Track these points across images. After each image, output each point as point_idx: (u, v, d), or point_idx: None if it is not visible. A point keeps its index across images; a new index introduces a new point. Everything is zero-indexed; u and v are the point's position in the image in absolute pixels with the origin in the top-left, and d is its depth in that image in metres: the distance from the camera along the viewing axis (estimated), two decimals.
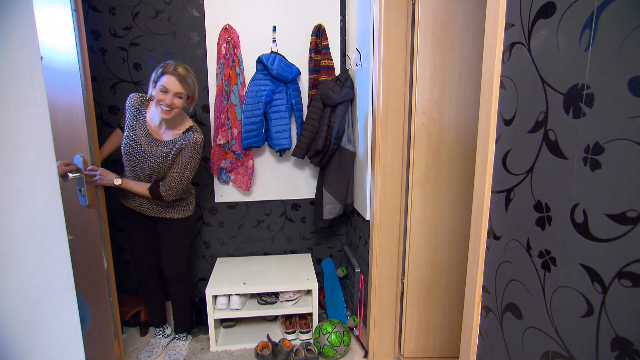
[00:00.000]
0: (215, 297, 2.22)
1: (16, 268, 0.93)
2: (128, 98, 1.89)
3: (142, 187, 1.86)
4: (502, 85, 0.92)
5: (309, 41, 2.35)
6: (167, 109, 1.72)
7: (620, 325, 0.62)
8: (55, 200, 1.09)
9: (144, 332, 2.34)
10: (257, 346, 2.13)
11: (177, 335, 2.22)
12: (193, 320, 2.37)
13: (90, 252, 1.81)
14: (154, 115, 1.84)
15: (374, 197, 1.91)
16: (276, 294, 2.34)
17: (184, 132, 1.85)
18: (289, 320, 2.37)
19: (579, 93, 0.69)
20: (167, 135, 1.85)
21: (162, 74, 1.70)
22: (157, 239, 2.08)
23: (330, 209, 2.25)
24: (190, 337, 2.27)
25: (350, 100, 2.13)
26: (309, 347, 2.11)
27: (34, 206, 1.00)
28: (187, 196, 2.04)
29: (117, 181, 1.80)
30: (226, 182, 2.50)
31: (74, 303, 1.18)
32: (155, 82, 1.72)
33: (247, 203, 2.59)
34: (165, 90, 1.70)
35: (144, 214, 2.00)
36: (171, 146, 1.83)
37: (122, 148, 1.87)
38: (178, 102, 1.73)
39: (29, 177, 0.98)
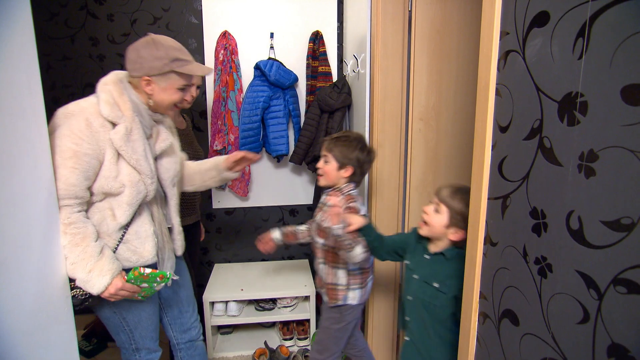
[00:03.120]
0: (212, 303, 2.21)
1: (12, 277, 0.92)
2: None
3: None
4: (497, 93, 0.93)
5: (307, 48, 2.37)
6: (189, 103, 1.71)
7: (616, 331, 0.63)
8: (52, 208, 1.09)
9: None
10: (254, 353, 2.12)
11: None
12: None
13: None
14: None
15: (371, 203, 1.92)
16: (274, 300, 2.34)
17: None
18: (286, 327, 2.36)
19: (573, 101, 0.70)
20: None
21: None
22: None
23: None
24: None
25: (348, 106, 2.14)
26: (307, 354, 2.10)
27: (30, 214, 0.99)
28: None
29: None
30: (222, 188, 2.50)
31: (70, 311, 1.17)
32: None
33: (244, 209, 2.58)
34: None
35: None
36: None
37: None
38: None
39: (26, 184, 0.98)
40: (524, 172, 0.84)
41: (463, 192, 1.18)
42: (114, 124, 1.18)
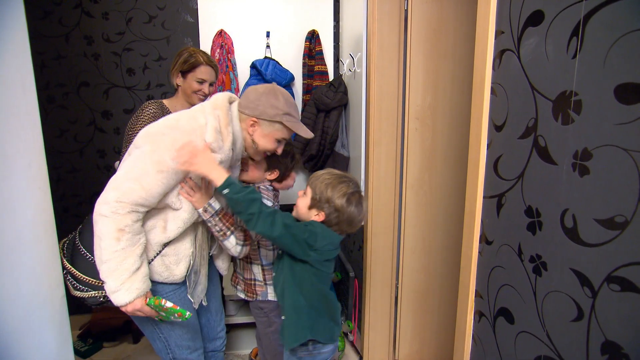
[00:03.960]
0: None
1: (5, 277, 0.92)
2: (140, 112, 1.62)
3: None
4: (492, 92, 0.93)
5: (303, 47, 2.36)
6: (204, 97, 1.71)
7: (609, 329, 0.63)
8: (46, 208, 1.08)
9: (136, 340, 2.32)
10: (251, 352, 2.12)
11: None
12: None
13: None
14: (180, 108, 1.68)
15: (367, 202, 1.92)
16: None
17: None
18: None
19: (568, 100, 0.70)
20: None
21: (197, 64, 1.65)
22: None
23: None
24: None
25: (344, 105, 2.14)
26: None
27: (24, 214, 0.99)
28: None
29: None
30: None
31: (64, 310, 1.16)
32: (187, 72, 1.66)
33: None
34: (201, 82, 1.67)
35: None
36: None
37: None
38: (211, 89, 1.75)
39: (20, 184, 0.97)
40: (519, 171, 0.84)
41: (328, 174, 1.22)
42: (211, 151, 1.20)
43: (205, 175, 1.16)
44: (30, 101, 1.01)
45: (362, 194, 1.23)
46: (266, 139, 1.29)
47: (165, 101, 1.71)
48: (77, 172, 2.32)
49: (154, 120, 1.56)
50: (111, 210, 1.09)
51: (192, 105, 1.69)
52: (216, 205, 1.29)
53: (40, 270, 1.06)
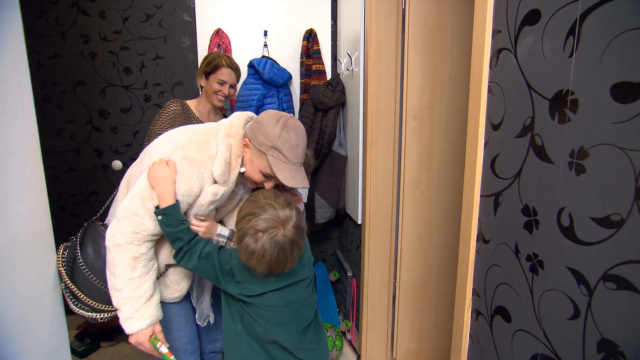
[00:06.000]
0: None
1: (2, 276, 0.91)
2: (163, 110, 1.67)
3: None
4: (490, 91, 0.93)
5: (301, 46, 2.36)
6: (223, 98, 1.75)
7: (605, 327, 0.63)
8: (42, 207, 1.08)
9: None
10: None
11: None
12: None
13: None
14: (202, 108, 1.78)
15: (365, 201, 1.92)
16: None
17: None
18: None
19: (564, 99, 0.70)
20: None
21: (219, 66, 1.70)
22: None
23: (322, 213, 2.25)
24: None
25: (342, 104, 2.14)
26: None
27: (20, 213, 0.98)
28: None
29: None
30: None
31: (61, 310, 1.16)
32: (209, 73, 1.71)
33: None
34: (222, 83, 1.72)
35: None
36: None
37: None
38: (232, 91, 1.78)
39: (16, 183, 0.96)
40: (516, 170, 0.84)
41: (250, 205, 1.11)
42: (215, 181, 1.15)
43: (153, 188, 1.09)
44: (26, 100, 1.01)
45: (286, 233, 1.04)
46: (251, 166, 1.17)
47: (188, 102, 1.76)
48: (74, 171, 2.31)
49: (173, 119, 1.62)
50: (127, 240, 1.07)
51: (213, 105, 1.75)
52: (225, 232, 1.27)
53: (36, 270, 1.06)
